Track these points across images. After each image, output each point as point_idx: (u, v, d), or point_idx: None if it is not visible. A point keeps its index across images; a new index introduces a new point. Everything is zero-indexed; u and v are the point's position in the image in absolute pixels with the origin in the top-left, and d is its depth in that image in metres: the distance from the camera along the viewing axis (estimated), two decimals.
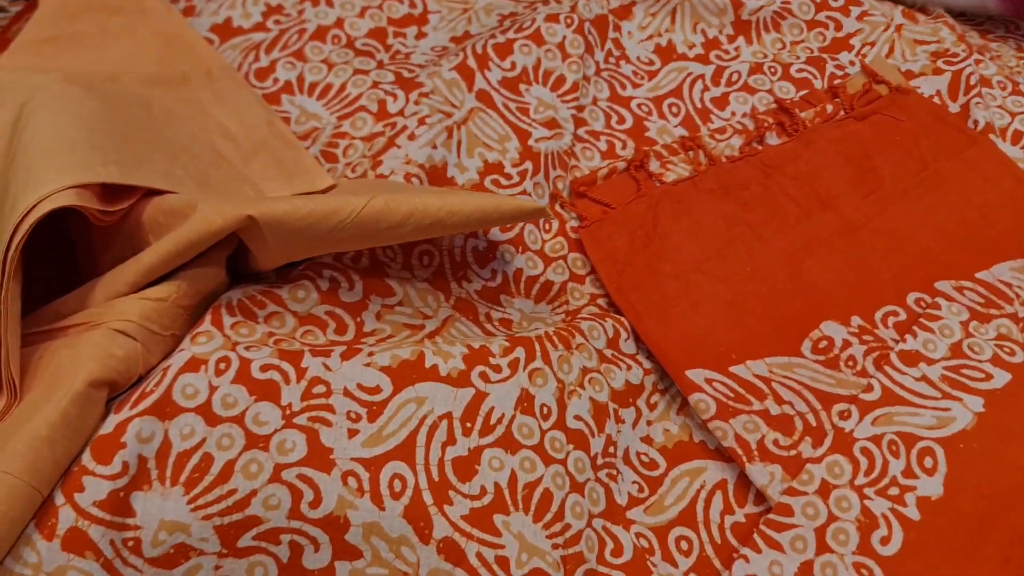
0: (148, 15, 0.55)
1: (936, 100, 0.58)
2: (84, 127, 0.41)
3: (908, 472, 0.42)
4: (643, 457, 0.45)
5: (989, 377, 0.45)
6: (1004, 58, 0.62)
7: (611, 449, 0.44)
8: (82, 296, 0.39)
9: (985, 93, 0.57)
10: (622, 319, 0.48)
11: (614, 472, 0.44)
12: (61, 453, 0.35)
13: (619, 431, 0.45)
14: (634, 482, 0.44)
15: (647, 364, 0.48)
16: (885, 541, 0.40)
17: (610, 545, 0.42)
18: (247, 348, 0.39)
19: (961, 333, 0.46)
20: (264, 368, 0.39)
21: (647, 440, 0.46)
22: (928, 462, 0.42)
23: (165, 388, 0.37)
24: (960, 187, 0.53)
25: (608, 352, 0.47)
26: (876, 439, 0.43)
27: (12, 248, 0.35)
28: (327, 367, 0.40)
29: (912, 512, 0.41)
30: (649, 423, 0.46)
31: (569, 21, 0.57)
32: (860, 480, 0.42)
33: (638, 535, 0.43)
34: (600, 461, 0.44)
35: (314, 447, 0.38)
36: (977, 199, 0.52)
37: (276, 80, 0.55)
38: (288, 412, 0.38)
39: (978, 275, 0.49)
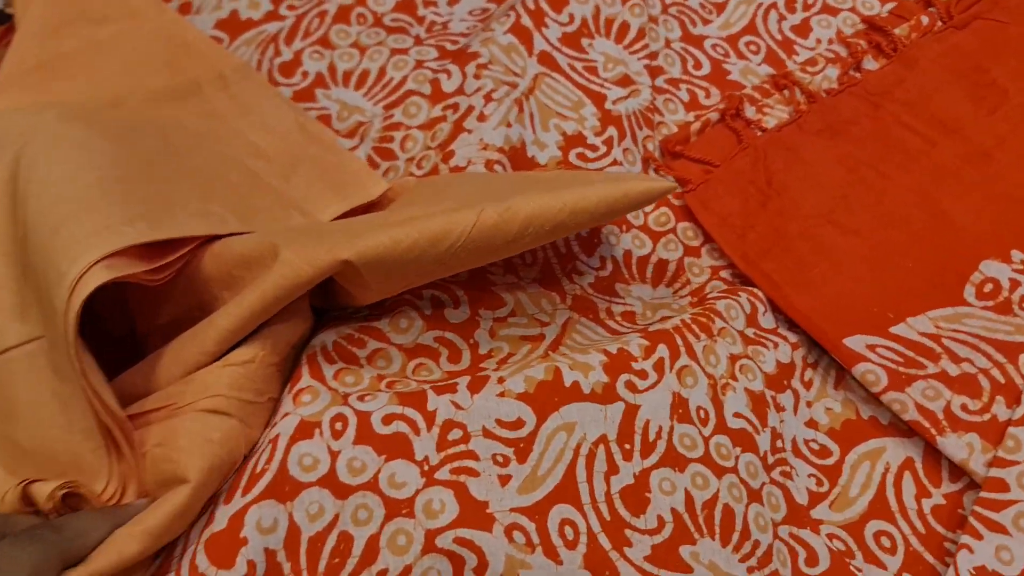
0: (140, 19, 0.48)
1: None
2: (96, 176, 0.33)
3: None
4: (812, 445, 0.40)
5: None
6: None
7: (779, 443, 0.39)
8: (155, 370, 0.33)
9: None
10: (756, 291, 0.42)
11: (788, 468, 0.39)
12: None
13: (782, 420, 0.40)
14: (810, 475, 0.39)
15: (792, 337, 0.42)
16: None
17: (803, 554, 0.37)
18: (360, 398, 0.33)
19: None
20: (387, 419, 0.33)
21: (811, 424, 0.40)
22: None
23: (279, 464, 0.31)
24: None
25: (750, 332, 0.41)
26: None
27: (70, 346, 0.29)
28: (458, 405, 0.34)
29: None
30: (809, 404, 0.41)
31: None
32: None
33: (830, 536, 0.37)
34: (771, 459, 0.38)
35: (466, 503, 0.32)
36: None
37: (305, 74, 0.48)
38: (427, 467, 0.32)
39: None
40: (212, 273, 0.34)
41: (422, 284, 0.36)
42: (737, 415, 0.38)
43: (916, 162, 0.46)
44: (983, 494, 0.37)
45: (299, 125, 0.44)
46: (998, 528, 0.36)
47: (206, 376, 0.32)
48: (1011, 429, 0.37)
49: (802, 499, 0.38)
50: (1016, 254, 0.42)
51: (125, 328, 0.37)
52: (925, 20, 0.51)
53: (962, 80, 0.48)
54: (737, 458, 0.37)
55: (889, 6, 0.53)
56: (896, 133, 0.47)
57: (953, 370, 0.40)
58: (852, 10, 0.53)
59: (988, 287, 0.42)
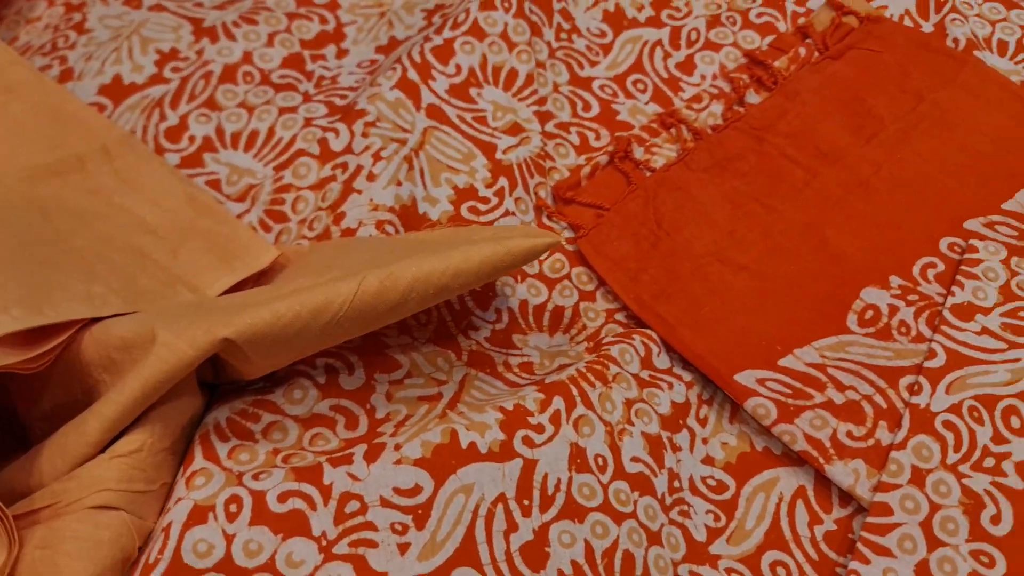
0: (18, 92, 0.48)
1: (908, 21, 0.55)
2: None
3: (998, 438, 0.40)
4: (709, 481, 0.42)
5: None
6: None
7: (676, 483, 0.41)
8: (38, 463, 0.33)
9: (959, 3, 0.55)
10: (649, 332, 0.44)
11: (685, 508, 0.41)
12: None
13: (679, 460, 0.41)
14: (708, 511, 0.41)
15: (687, 376, 0.44)
16: (996, 520, 0.38)
17: None
18: (255, 477, 0.34)
19: (1006, 273, 0.44)
20: (283, 497, 0.34)
21: (708, 461, 0.42)
22: (1015, 422, 0.40)
23: (172, 552, 0.32)
24: (963, 116, 0.50)
25: (645, 374, 0.43)
26: (955, 409, 0.40)
27: None
28: (354, 477, 0.35)
29: (1015, 481, 0.39)
30: (705, 441, 0.43)
31: (507, 5, 0.52)
32: (952, 458, 0.39)
33: (728, 571, 0.39)
34: (669, 500, 0.40)
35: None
36: (984, 126, 0.50)
37: (192, 138, 0.48)
38: (325, 542, 0.33)
39: (1004, 206, 0.47)
40: (92, 357, 0.34)
41: (312, 354, 0.37)
42: (635, 459, 0.40)
43: (800, 193, 0.48)
44: (869, 519, 0.39)
45: (188, 197, 0.45)
46: (884, 552, 0.38)
47: (93, 470, 0.32)
48: (893, 453, 0.40)
49: (700, 536, 0.40)
50: (894, 279, 0.45)
51: (5, 418, 0.37)
52: (803, 52, 0.54)
53: (842, 109, 0.51)
54: (636, 503, 0.39)
55: (769, 39, 0.55)
56: (780, 165, 0.49)
57: (838, 398, 0.42)
58: (734, 44, 0.55)
59: (869, 314, 0.44)
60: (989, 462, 0.39)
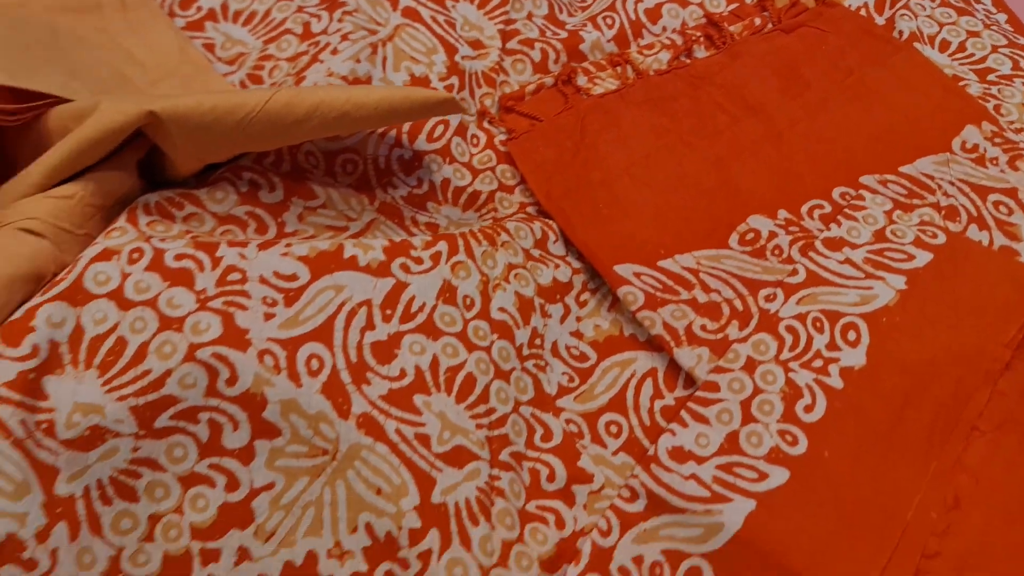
0: None
1: (863, 13, 0.60)
2: None
3: (832, 345, 0.43)
4: (573, 351, 0.47)
5: (911, 258, 0.46)
6: None
7: (537, 341, 0.46)
8: None
9: (914, 4, 0.60)
10: (551, 222, 0.50)
11: (542, 363, 0.45)
12: None
13: (546, 324, 0.46)
14: (564, 373, 0.46)
15: (576, 264, 0.49)
16: (809, 409, 0.42)
17: (539, 431, 0.43)
18: (162, 240, 0.41)
19: (884, 220, 0.48)
20: (179, 257, 0.40)
21: (577, 335, 0.47)
22: (852, 335, 0.44)
23: (76, 276, 0.39)
24: (885, 94, 0.55)
25: (536, 252, 0.48)
26: (801, 317, 0.44)
27: None
28: (243, 256, 0.41)
29: (836, 381, 0.42)
30: (579, 319, 0.48)
31: None
32: (785, 355, 0.43)
33: (568, 421, 0.44)
34: (526, 352, 0.45)
35: (229, 328, 0.39)
36: (902, 105, 0.54)
37: (200, 8, 0.56)
38: (203, 296, 0.39)
39: (902, 169, 0.51)
40: (54, 127, 0.41)
41: (232, 155, 0.44)
42: (502, 309, 0.45)
43: (720, 135, 0.53)
44: (697, 393, 0.43)
45: (180, 48, 0.53)
46: (702, 420, 0.42)
47: (28, 203, 0.40)
48: (735, 345, 0.44)
49: (551, 390, 0.45)
50: (782, 213, 0.50)
51: None
52: (758, 21, 0.59)
53: (776, 73, 0.56)
54: (492, 342, 0.44)
55: (733, 6, 0.61)
56: (707, 111, 0.55)
57: (702, 298, 0.47)
58: (700, 5, 0.61)
59: (750, 235, 0.49)
60: (818, 363, 0.43)
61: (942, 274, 0.46)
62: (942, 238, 0.47)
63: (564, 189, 0.51)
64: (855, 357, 0.43)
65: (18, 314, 0.37)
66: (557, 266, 0.48)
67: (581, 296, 0.48)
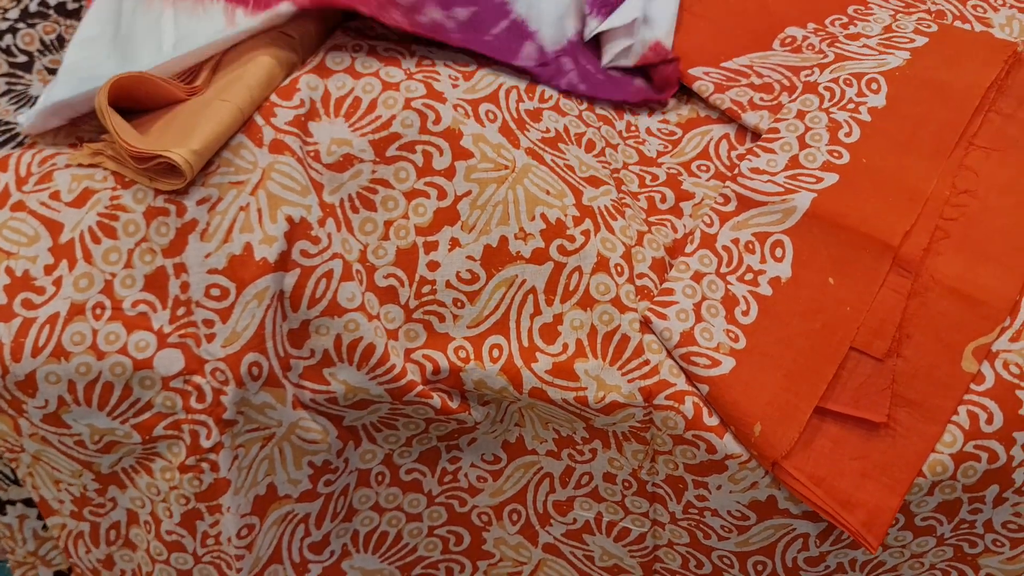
0: None
1: None
2: None
3: (860, 93, 0.59)
4: (663, 130, 0.63)
5: (913, 40, 0.63)
6: None
7: (632, 128, 0.62)
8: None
9: None
10: None
11: (640, 140, 0.61)
12: (259, 95, 0.53)
13: (636, 116, 0.63)
14: (659, 144, 0.62)
15: None
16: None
17: (648, 178, 0.59)
18: (374, 38, 0.57)
19: (890, 20, 0.65)
20: (387, 49, 0.57)
21: (664, 121, 0.63)
22: (874, 86, 0.60)
23: (320, 59, 0.55)
24: None
25: None
26: (835, 80, 0.61)
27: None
28: (430, 50, 0.57)
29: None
30: (664, 111, 0.64)
31: None
32: (826, 105, 0.59)
33: (668, 168, 0.60)
34: (625, 134, 0.61)
35: (431, 91, 0.55)
36: None
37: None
38: (408, 71, 0.56)
39: None
40: None
41: None
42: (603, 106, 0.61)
43: None
44: (765, 135, 0.59)
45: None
46: (770, 151, 0.58)
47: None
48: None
49: (651, 154, 0.61)
50: (810, 24, 0.66)
51: None
52: None
53: None
54: (599, 127, 0.60)
55: None
56: None
57: (757, 81, 0.63)
58: None
59: (788, 40, 0.65)
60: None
61: (937, 48, 0.62)
62: (934, 28, 0.64)
63: None
64: (879, 99, 0.59)
65: (286, 82, 0.54)
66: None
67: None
